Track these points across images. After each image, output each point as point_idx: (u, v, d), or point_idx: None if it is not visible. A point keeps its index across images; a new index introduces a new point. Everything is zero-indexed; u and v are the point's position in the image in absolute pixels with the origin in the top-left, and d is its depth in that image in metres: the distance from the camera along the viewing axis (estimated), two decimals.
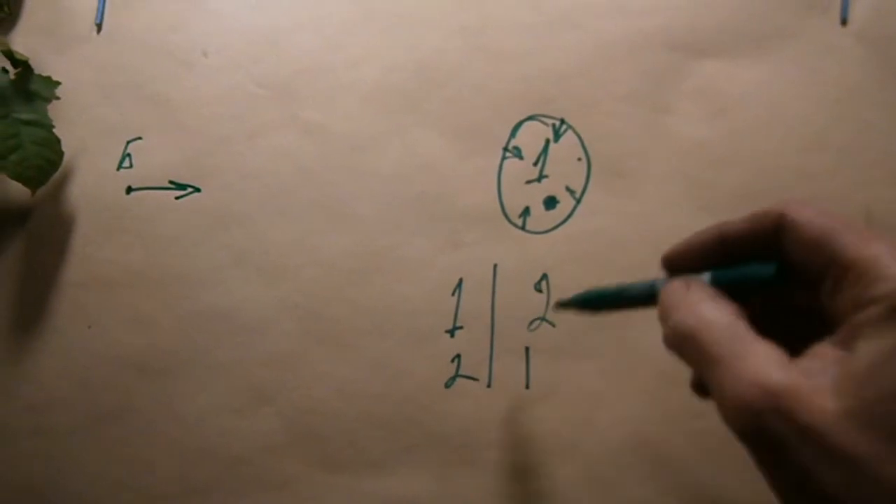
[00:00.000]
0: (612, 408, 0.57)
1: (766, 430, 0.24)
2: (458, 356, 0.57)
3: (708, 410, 0.55)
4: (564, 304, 0.43)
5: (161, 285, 0.58)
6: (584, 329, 0.57)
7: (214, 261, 0.58)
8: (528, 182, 0.58)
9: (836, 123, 0.59)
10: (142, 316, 0.58)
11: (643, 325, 0.57)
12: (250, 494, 0.57)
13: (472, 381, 0.57)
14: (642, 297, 0.37)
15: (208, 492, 0.57)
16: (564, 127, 0.59)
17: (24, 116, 0.54)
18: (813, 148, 0.58)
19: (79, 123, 0.59)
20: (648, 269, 0.57)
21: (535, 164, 0.58)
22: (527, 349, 0.57)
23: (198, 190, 0.58)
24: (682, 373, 0.57)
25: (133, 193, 0.59)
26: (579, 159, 0.59)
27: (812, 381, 0.24)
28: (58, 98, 0.57)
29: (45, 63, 0.58)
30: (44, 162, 0.55)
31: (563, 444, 0.57)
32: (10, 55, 0.55)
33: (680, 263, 0.36)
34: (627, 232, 0.58)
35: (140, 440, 0.57)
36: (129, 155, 0.59)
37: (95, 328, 0.58)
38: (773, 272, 0.30)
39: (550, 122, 0.59)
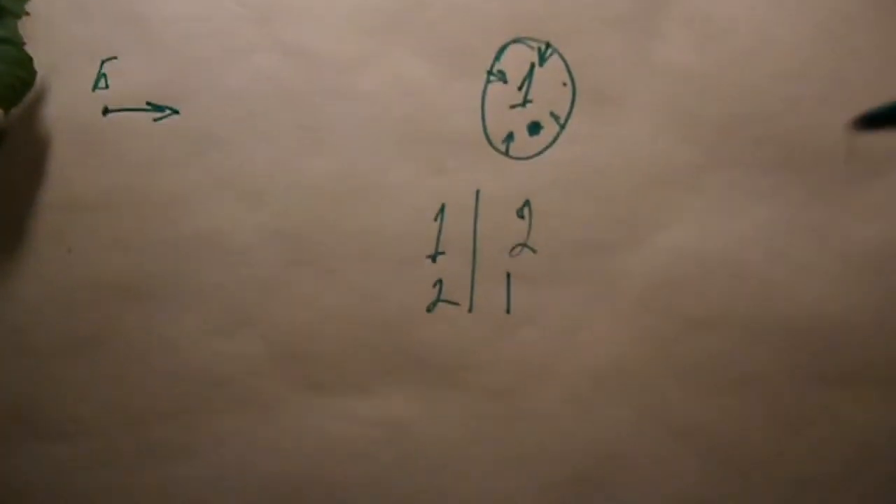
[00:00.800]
0: (589, 333, 0.59)
1: None
2: (440, 281, 0.58)
3: (685, 337, 0.57)
4: (870, 119, 0.41)
5: (142, 208, 0.58)
6: (564, 255, 0.58)
7: (195, 184, 0.58)
8: (513, 107, 0.58)
9: (825, 50, 0.59)
10: (123, 239, 0.58)
11: (623, 252, 0.58)
12: (235, 414, 0.58)
13: (453, 306, 0.58)
14: None
15: (193, 412, 0.59)
16: (550, 51, 0.58)
17: None
18: (801, 76, 0.59)
19: (51, 41, 0.58)
20: (632, 196, 0.58)
21: (520, 88, 0.58)
22: (508, 275, 0.58)
23: (176, 112, 0.58)
24: (661, 299, 0.58)
25: (110, 115, 0.58)
26: (564, 84, 0.58)
27: None
28: (27, 14, 0.56)
29: None
30: (16, 80, 0.54)
31: (543, 367, 0.59)
32: None
33: None
34: (611, 159, 0.59)
35: (125, 362, 0.58)
36: (104, 75, 0.58)
37: (76, 252, 0.58)
38: None
39: (536, 45, 0.58)
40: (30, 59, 0.55)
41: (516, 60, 0.58)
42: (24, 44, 0.55)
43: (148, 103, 0.58)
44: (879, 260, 0.57)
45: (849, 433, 0.57)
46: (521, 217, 0.58)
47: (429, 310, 0.58)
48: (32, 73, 0.55)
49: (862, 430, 0.57)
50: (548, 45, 0.58)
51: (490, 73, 0.58)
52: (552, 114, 0.59)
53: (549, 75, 0.58)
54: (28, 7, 0.56)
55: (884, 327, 0.57)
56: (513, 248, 0.58)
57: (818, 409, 0.57)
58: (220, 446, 0.58)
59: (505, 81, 0.58)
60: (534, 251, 0.58)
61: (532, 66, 0.58)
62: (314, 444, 0.58)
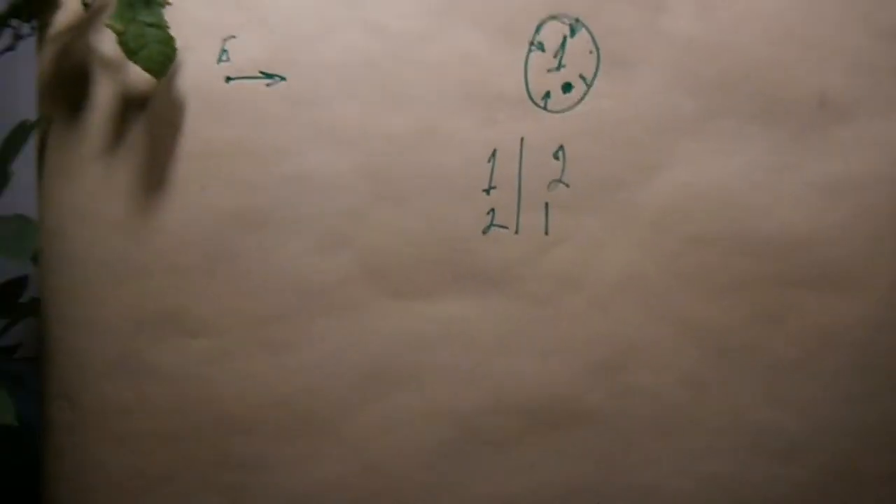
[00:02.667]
0: (612, 251, 0.73)
1: None
2: (493, 210, 0.72)
3: (687, 252, 0.71)
4: None
5: (257, 155, 0.71)
6: (591, 189, 0.72)
7: (299, 135, 0.71)
8: (549, 71, 0.72)
9: (804, 19, 0.71)
10: (243, 180, 0.72)
11: (638, 186, 0.72)
12: (332, 316, 0.73)
13: (503, 230, 0.72)
14: None
15: (299, 315, 0.73)
16: (579, 25, 0.71)
17: (147, 20, 0.67)
18: (781, 40, 0.71)
19: (185, 25, 0.70)
20: (643, 142, 0.72)
21: (555, 56, 0.72)
22: (546, 204, 0.72)
23: (283, 79, 0.72)
24: (669, 223, 0.72)
25: (231, 82, 0.72)
26: (591, 52, 0.71)
27: None
28: (170, 3, 0.69)
29: None
30: (164, 56, 0.68)
31: (573, 279, 0.73)
32: None
33: None
34: (628, 112, 0.72)
35: (244, 277, 0.73)
36: (225, 51, 0.72)
37: (208, 190, 0.72)
38: None
39: (568, 21, 0.71)
40: (172, 39, 0.68)
41: (552, 33, 0.71)
42: (168, 27, 0.69)
43: (261, 72, 0.71)
44: (841, 189, 0.70)
45: (812, 326, 0.71)
46: (557, 159, 0.72)
47: (484, 232, 0.72)
48: (174, 50, 0.68)
49: (822, 323, 0.71)
50: (577, 20, 0.71)
51: (531, 43, 0.72)
52: (581, 76, 0.72)
53: (579, 45, 0.71)
54: None
55: (842, 242, 0.70)
56: (550, 184, 0.72)
57: (789, 307, 0.71)
58: (321, 341, 0.73)
59: (543, 50, 0.72)
60: (567, 186, 0.72)
61: (565, 37, 0.71)
62: (393, 339, 0.72)
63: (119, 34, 0.66)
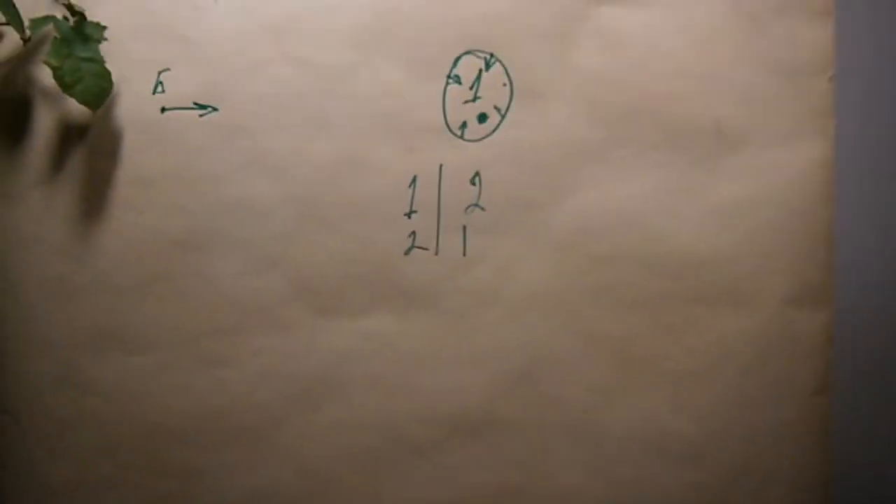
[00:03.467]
0: (526, 268, 0.77)
1: None
2: (414, 232, 0.76)
3: (596, 270, 0.76)
4: None
5: (192, 182, 0.75)
6: (506, 212, 0.76)
7: (231, 163, 0.75)
8: (466, 102, 0.75)
9: (699, 57, 0.76)
10: (179, 205, 0.75)
11: (549, 209, 0.77)
12: (264, 334, 0.77)
13: (424, 251, 0.76)
14: None
15: (234, 332, 0.76)
16: (493, 59, 0.76)
17: (83, 55, 0.71)
18: (680, 75, 0.76)
19: (121, 58, 0.73)
20: (554, 168, 0.77)
21: (471, 88, 0.76)
22: (464, 227, 0.76)
23: (216, 109, 0.75)
24: (578, 243, 0.77)
25: (166, 112, 0.75)
26: (504, 84, 0.75)
27: None
28: (106, 39, 0.72)
29: (92, 11, 0.74)
30: (100, 90, 0.71)
31: (490, 295, 0.76)
32: (70, 8, 0.71)
33: None
34: (541, 140, 0.76)
35: (182, 296, 0.76)
36: (161, 83, 0.75)
37: (145, 215, 0.75)
38: None
39: (483, 55, 0.76)
40: (109, 73, 0.71)
41: (468, 67, 0.74)
42: (104, 62, 0.72)
43: (194, 103, 0.74)
44: (735, 211, 0.75)
45: (710, 338, 0.74)
46: (474, 184, 0.75)
47: (406, 253, 0.75)
48: (111, 83, 0.71)
49: (719, 336, 0.75)
50: (492, 55, 0.75)
51: (449, 76, 0.74)
52: (496, 107, 0.75)
53: (493, 78, 0.74)
54: (105, 34, 0.73)
55: (737, 261, 0.74)
56: (467, 208, 0.75)
57: (689, 321, 0.75)
58: (255, 357, 0.76)
59: (460, 83, 0.74)
60: (483, 209, 0.76)
61: (480, 71, 0.74)
62: (322, 354, 0.76)
63: (55, 69, 0.70)
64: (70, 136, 0.76)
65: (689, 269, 0.75)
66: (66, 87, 0.71)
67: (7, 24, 0.71)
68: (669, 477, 0.76)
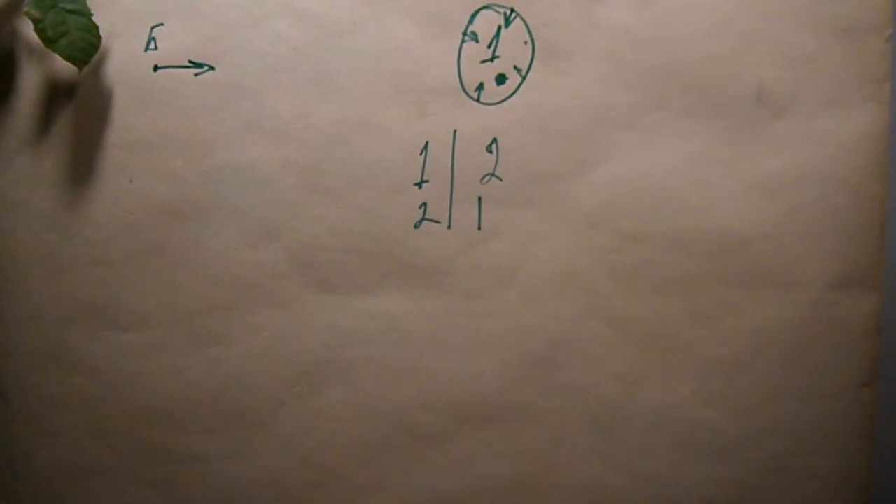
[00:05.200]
0: (545, 245, 0.72)
1: None
2: (425, 203, 0.71)
3: (622, 248, 0.71)
4: None
5: (187, 146, 0.71)
6: (525, 183, 0.71)
7: (229, 126, 0.70)
8: (483, 62, 0.70)
9: (742, 12, 0.69)
10: (172, 171, 0.71)
11: (573, 180, 0.71)
12: (263, 311, 0.72)
13: (435, 224, 0.71)
14: None
15: (228, 309, 0.72)
16: (514, 15, 0.70)
17: (68, 6, 0.65)
18: (719, 33, 0.70)
19: (111, 12, 0.69)
20: (581, 135, 0.71)
21: (489, 46, 0.70)
22: (479, 198, 0.71)
23: (213, 68, 0.70)
24: (603, 218, 0.71)
25: (159, 71, 0.71)
26: (525, 43, 0.70)
27: None
28: None
29: None
30: (87, 45, 0.66)
31: (506, 273, 0.72)
32: None
33: None
34: (563, 104, 0.71)
35: (176, 269, 0.72)
36: (153, 39, 0.70)
37: (136, 181, 0.71)
38: None
39: (502, 10, 0.70)
40: (96, 27, 0.66)
41: (486, 23, 0.70)
42: (91, 14, 0.67)
43: (189, 61, 0.70)
44: (777, 186, 0.69)
45: (747, 324, 0.69)
46: (490, 152, 0.71)
47: (416, 226, 0.71)
48: (99, 38, 0.67)
49: (757, 322, 0.69)
50: (512, 10, 0.70)
51: (465, 34, 0.70)
52: (515, 67, 0.71)
53: (513, 35, 0.70)
54: None
55: (777, 241, 0.69)
56: (483, 177, 0.71)
57: (724, 305, 0.70)
58: (251, 335, 0.72)
59: (477, 41, 0.70)
60: (500, 179, 0.71)
61: (499, 28, 0.70)
62: (325, 334, 0.72)
63: (36, 22, 0.65)
64: (57, 96, 0.71)
65: (725, 249, 0.70)
66: (50, 42, 0.66)
67: None
68: (697, 472, 0.71)
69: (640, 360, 0.71)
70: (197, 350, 0.73)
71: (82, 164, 0.71)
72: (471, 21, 0.70)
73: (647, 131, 0.70)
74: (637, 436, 0.72)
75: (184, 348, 0.73)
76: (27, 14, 0.65)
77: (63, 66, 0.70)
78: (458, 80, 0.70)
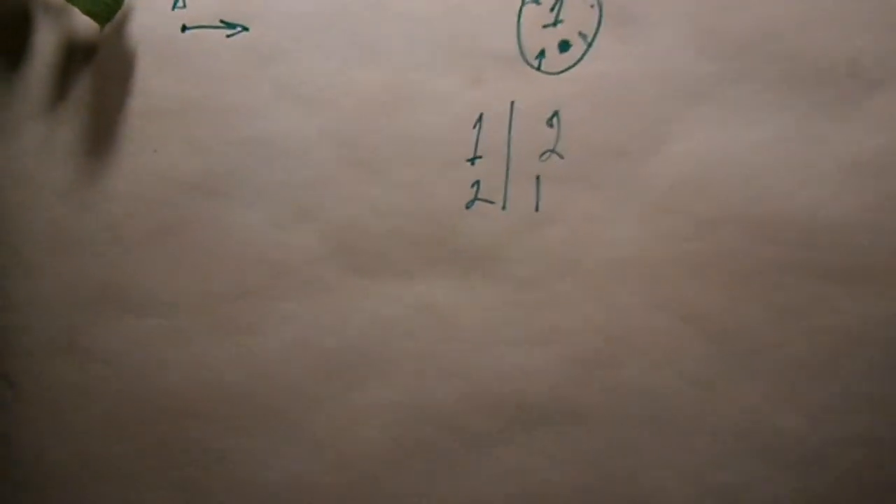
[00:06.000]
0: (611, 231, 0.65)
1: None
2: (478, 182, 0.65)
3: (697, 235, 0.63)
4: None
5: (215, 115, 0.65)
6: (589, 161, 0.64)
7: (261, 93, 0.64)
8: (545, 26, 0.64)
9: None
10: (197, 142, 0.65)
11: (643, 158, 0.64)
12: (295, 298, 0.66)
13: (489, 204, 0.65)
14: None
15: (257, 295, 0.67)
16: None
17: None
18: None
19: None
20: (650, 109, 0.64)
21: (552, 10, 0.63)
22: (538, 177, 0.65)
23: (246, 29, 0.64)
24: (676, 201, 0.64)
25: (188, 32, 0.65)
26: (592, 6, 0.63)
27: None
28: None
29: None
30: (109, 0, 0.61)
31: (566, 261, 0.65)
32: None
33: None
34: (633, 74, 0.64)
35: (199, 250, 0.66)
36: None
37: (159, 153, 0.66)
38: None
39: None
40: None
41: None
42: None
43: (221, 21, 0.64)
44: (875, 168, 0.62)
45: (839, 323, 0.63)
46: (551, 126, 0.64)
47: (467, 207, 0.65)
48: None
49: (851, 319, 0.63)
50: None
51: None
52: (580, 33, 0.64)
53: None
54: None
55: (876, 230, 0.62)
56: (542, 154, 0.65)
57: (813, 300, 0.63)
58: (282, 325, 0.67)
59: (538, 3, 0.64)
60: (561, 157, 0.65)
61: None
62: (364, 324, 0.66)
63: None
64: (74, 58, 0.66)
65: (814, 237, 0.63)
66: None
67: None
68: (775, 482, 0.65)
69: (714, 360, 0.64)
70: (223, 340, 0.67)
71: (100, 133, 0.66)
72: None
73: (728, 105, 0.63)
74: (709, 443, 0.65)
75: (209, 338, 0.67)
76: None
77: (82, 24, 0.64)
78: (517, 46, 0.64)
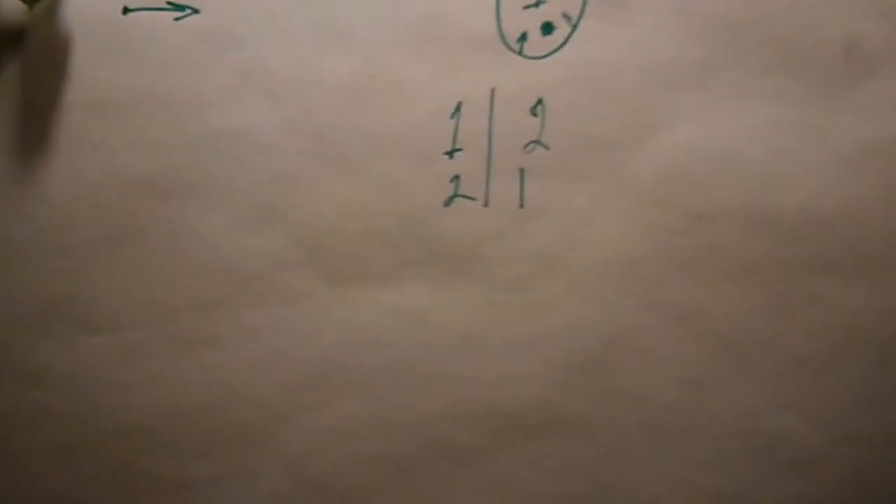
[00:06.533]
0: (599, 226, 0.62)
1: None
2: (458, 177, 0.61)
3: (689, 230, 0.61)
4: None
5: (166, 107, 0.59)
6: (576, 153, 0.61)
7: (218, 82, 0.59)
8: (526, 7, 0.60)
9: None
10: (148, 137, 0.60)
11: (632, 149, 0.61)
12: (261, 307, 0.62)
13: (469, 201, 0.61)
14: None
15: (222, 305, 0.62)
16: None
17: None
18: None
19: None
20: (641, 96, 0.61)
21: None
22: (521, 171, 0.61)
23: (196, 11, 0.59)
24: (667, 194, 0.61)
25: (130, 14, 0.59)
26: None
27: None
28: None
29: None
30: None
31: (553, 259, 0.62)
32: None
33: None
34: (621, 59, 0.61)
35: (155, 257, 0.61)
36: None
37: (102, 149, 0.60)
38: None
39: None
40: None
41: None
42: None
43: (168, 2, 0.59)
44: (872, 157, 0.61)
45: (837, 317, 0.62)
46: (535, 115, 0.61)
47: (446, 204, 0.61)
48: None
49: (849, 314, 0.62)
50: None
51: None
52: (564, 14, 0.60)
53: None
54: None
55: (874, 221, 0.61)
56: (526, 145, 0.61)
57: (810, 295, 0.62)
58: (250, 337, 0.62)
59: None
60: (546, 148, 0.61)
61: None
62: (338, 334, 0.62)
63: None
64: (2, 45, 0.60)
65: (810, 229, 0.62)
66: None
67: None
68: (776, 488, 0.64)
69: (709, 361, 0.63)
70: (184, 356, 0.62)
71: (34, 131, 0.61)
72: None
73: (718, 92, 0.61)
74: (706, 448, 0.63)
75: (168, 354, 0.62)
76: None
77: (8, 6, 0.58)
78: (496, 28, 0.60)
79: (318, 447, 0.62)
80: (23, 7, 0.56)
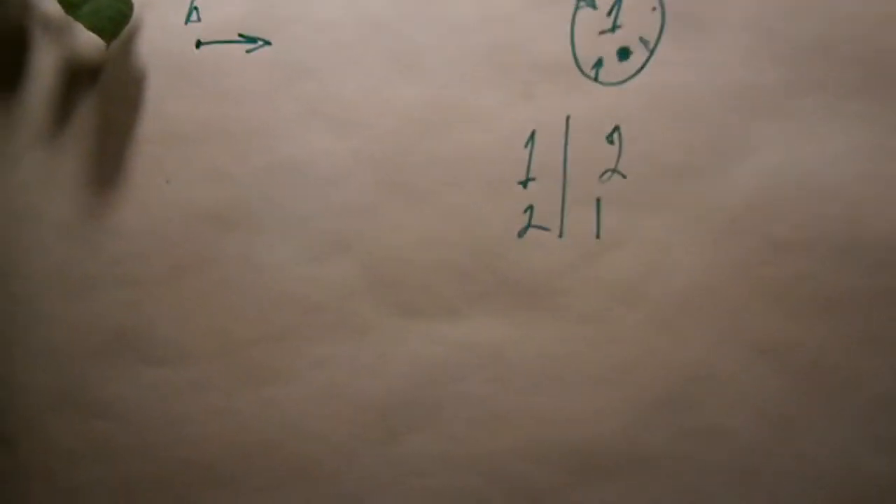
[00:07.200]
0: (679, 256, 0.59)
1: None
2: (531, 207, 0.59)
3: (774, 259, 0.58)
4: None
5: (235, 139, 0.60)
6: (654, 180, 0.59)
7: (288, 113, 0.59)
8: (602, 32, 0.59)
9: None
10: (218, 169, 0.60)
11: (713, 177, 0.59)
12: (330, 339, 0.60)
13: (544, 231, 0.59)
14: None
15: (289, 337, 0.61)
16: None
17: None
18: None
19: None
20: (722, 121, 0.58)
21: (609, 14, 0.58)
22: (598, 200, 0.59)
23: (268, 43, 0.59)
24: (750, 223, 0.59)
25: (203, 48, 0.59)
26: (654, 9, 0.59)
27: None
28: None
29: None
30: (116, 13, 0.56)
31: (631, 291, 0.60)
32: None
33: None
34: (700, 83, 0.59)
35: (222, 289, 0.61)
36: (196, 8, 0.60)
37: (173, 183, 0.60)
38: None
39: None
40: None
41: None
42: None
43: (240, 35, 0.59)
44: None
45: None
46: (611, 142, 0.59)
47: (519, 235, 0.59)
48: (130, 5, 0.57)
49: None
50: None
51: None
52: (641, 39, 0.59)
53: (639, 0, 0.59)
54: None
55: None
56: (602, 174, 0.59)
57: None
58: (316, 370, 0.61)
59: (594, 7, 0.59)
60: (623, 176, 0.59)
61: None
62: (408, 368, 0.60)
63: None
64: (78, 79, 0.63)
65: None
66: (71, 8, 0.54)
67: None
68: None
69: (797, 397, 0.59)
70: (248, 389, 0.62)
71: (108, 163, 0.62)
72: None
73: (800, 116, 0.59)
74: (792, 489, 0.59)
75: (232, 387, 0.62)
76: None
77: (86, 42, 0.60)
78: (571, 54, 0.59)
79: (383, 485, 0.61)
80: (100, 43, 0.57)
